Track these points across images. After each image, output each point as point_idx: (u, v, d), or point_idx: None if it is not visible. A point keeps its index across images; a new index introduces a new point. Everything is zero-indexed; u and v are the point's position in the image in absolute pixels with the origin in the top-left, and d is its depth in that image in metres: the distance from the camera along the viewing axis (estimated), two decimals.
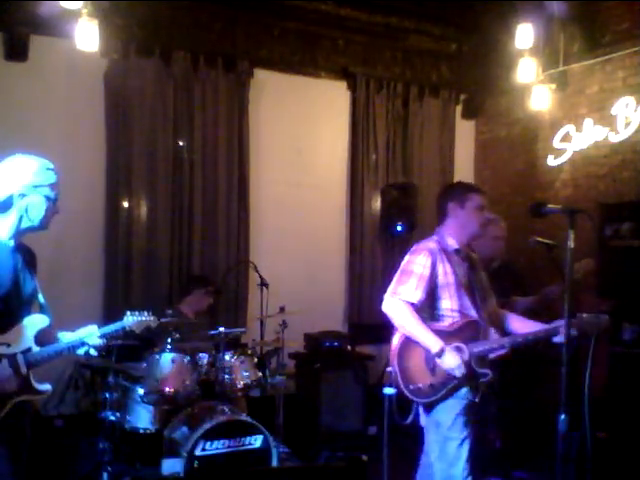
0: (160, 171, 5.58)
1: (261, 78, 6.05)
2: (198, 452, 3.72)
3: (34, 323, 2.59)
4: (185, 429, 3.89)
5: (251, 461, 3.79)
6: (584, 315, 3.02)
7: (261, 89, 6.04)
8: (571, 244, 2.73)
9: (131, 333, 3.02)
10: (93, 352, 2.80)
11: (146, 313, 3.06)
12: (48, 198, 2.57)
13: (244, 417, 4.03)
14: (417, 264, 3.07)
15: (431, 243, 3.16)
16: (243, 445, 3.83)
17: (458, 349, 2.98)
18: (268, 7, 5.82)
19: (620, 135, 5.39)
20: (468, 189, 3.29)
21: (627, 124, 5.33)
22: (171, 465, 3.82)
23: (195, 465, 3.69)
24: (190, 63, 5.69)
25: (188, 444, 3.71)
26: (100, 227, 5.46)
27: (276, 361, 4.94)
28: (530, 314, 3.45)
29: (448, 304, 3.08)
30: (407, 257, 3.16)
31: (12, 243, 2.57)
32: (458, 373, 2.94)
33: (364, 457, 3.01)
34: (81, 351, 2.74)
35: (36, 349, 2.56)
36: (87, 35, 4.52)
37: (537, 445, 4.71)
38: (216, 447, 3.77)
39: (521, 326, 3.27)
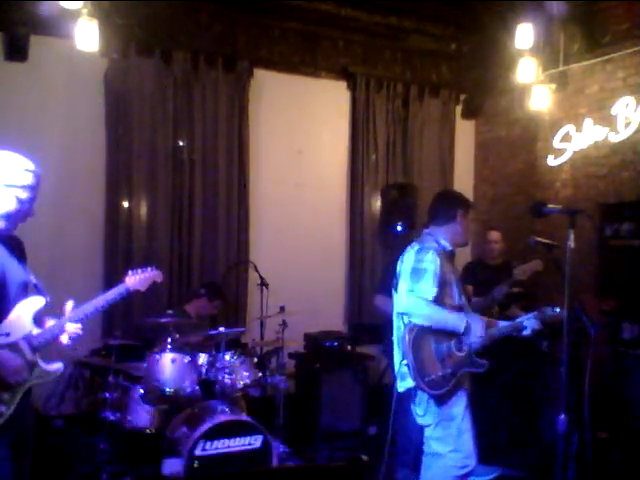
0: (160, 171, 5.58)
1: (261, 78, 6.05)
2: (198, 452, 3.72)
3: (29, 306, 2.55)
4: (185, 429, 3.89)
5: (251, 461, 3.79)
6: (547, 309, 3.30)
7: (261, 89, 6.05)
8: (571, 244, 2.74)
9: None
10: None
11: None
12: (19, 199, 2.48)
13: (244, 417, 4.03)
14: (428, 262, 3.19)
15: (433, 243, 3.31)
16: (243, 445, 3.83)
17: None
18: (268, 7, 5.82)
19: (620, 135, 5.39)
20: (470, 202, 3.57)
21: (627, 124, 5.32)
22: (171, 465, 3.82)
23: (195, 465, 3.69)
24: (190, 63, 5.69)
25: (188, 444, 3.71)
26: (100, 227, 5.45)
27: (276, 361, 4.94)
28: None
29: (450, 300, 3.24)
30: (413, 256, 3.25)
31: None
32: (482, 338, 3.13)
33: (364, 457, 3.03)
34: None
35: (37, 331, 2.53)
36: (87, 35, 4.52)
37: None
38: (216, 447, 3.77)
39: None
